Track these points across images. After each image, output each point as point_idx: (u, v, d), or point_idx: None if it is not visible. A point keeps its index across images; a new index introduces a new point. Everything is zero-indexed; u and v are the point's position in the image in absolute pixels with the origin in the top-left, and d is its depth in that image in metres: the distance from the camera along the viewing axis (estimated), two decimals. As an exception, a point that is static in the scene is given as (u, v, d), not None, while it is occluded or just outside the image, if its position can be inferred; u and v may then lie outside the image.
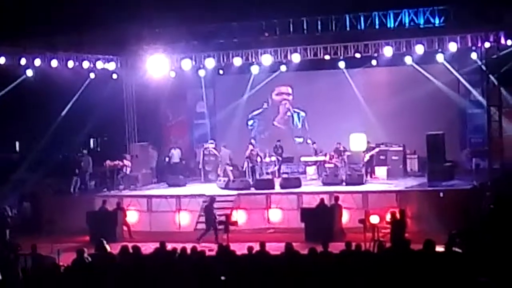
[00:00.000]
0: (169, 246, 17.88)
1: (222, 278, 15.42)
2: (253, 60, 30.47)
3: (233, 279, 15.48)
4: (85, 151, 32.13)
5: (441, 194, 26.17)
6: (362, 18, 26.25)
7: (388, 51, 28.60)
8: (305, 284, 14.89)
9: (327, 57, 29.77)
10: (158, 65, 30.55)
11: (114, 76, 32.42)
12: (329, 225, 24.31)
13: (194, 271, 15.54)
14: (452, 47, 27.85)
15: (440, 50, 28.73)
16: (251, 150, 31.05)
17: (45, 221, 26.72)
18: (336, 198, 25.83)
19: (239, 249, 17.62)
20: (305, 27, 26.69)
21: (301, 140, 34.56)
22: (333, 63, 31.26)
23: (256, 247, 17.28)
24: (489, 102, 27.72)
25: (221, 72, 33.74)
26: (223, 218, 23.81)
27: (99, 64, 31.04)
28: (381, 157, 31.19)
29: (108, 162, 31.38)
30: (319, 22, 26.65)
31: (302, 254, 16.52)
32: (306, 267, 15.62)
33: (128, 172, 31.51)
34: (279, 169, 32.43)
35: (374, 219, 21.56)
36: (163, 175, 32.90)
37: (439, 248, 15.86)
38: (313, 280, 15.07)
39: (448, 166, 29.08)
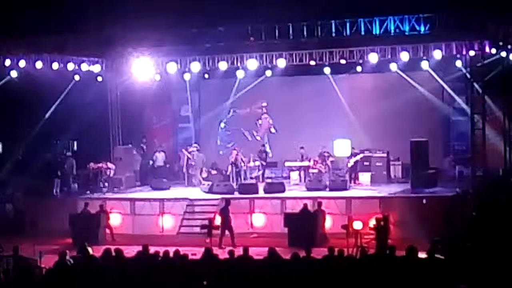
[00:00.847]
0: (152, 250, 17.84)
1: (204, 283, 15.42)
2: (239, 64, 30.48)
3: (215, 283, 15.48)
4: (68, 153, 32.06)
5: (424, 201, 26.26)
6: (347, 25, 26.31)
7: (373, 58, 28.68)
8: (287, 289, 14.92)
9: (312, 62, 29.83)
10: (143, 68, 30.50)
11: (99, 78, 32.33)
12: (312, 231, 24.34)
13: (177, 275, 15.53)
14: (437, 54, 27.95)
15: (425, 57, 28.87)
16: (236, 154, 31.17)
17: (27, 223, 26.57)
18: (320, 204, 25.85)
19: (222, 253, 17.58)
20: (290, 32, 26.73)
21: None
22: (318, 68, 31.36)
23: (239, 251, 17.28)
24: (473, 110, 27.84)
25: (206, 76, 33.79)
26: (206, 222, 23.79)
27: (84, 67, 30.95)
28: (365, 163, 31.28)
29: (91, 164, 31.34)
30: (304, 28, 26.70)
31: (285, 259, 16.55)
32: (288, 272, 15.64)
33: (111, 174, 31.46)
34: (263, 174, 32.47)
35: (357, 225, 21.63)
36: (147, 178, 32.83)
37: (422, 255, 15.91)
38: (295, 285, 15.11)
39: (431, 173, 29.20)
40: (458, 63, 29.70)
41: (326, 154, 30.94)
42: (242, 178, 31.28)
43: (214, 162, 32.76)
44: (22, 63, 28.91)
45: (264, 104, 34.73)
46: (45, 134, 32.32)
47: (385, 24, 26.10)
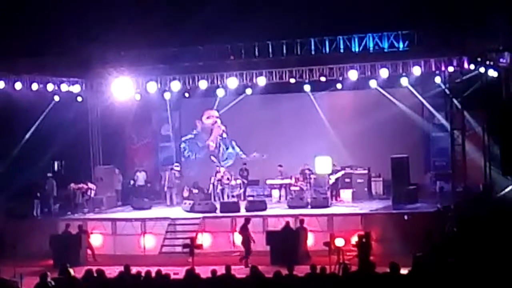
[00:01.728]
0: (134, 270, 17.76)
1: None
2: (219, 83, 30.43)
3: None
4: (49, 174, 31.88)
5: (406, 217, 26.31)
6: (327, 42, 26.49)
7: (353, 75, 28.75)
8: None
9: (292, 80, 29.84)
10: (123, 88, 30.42)
11: (79, 98, 32.24)
12: (294, 248, 24.32)
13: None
14: (416, 71, 28.06)
15: (404, 74, 28.95)
16: (224, 172, 31.30)
17: (7, 244, 26.35)
18: (302, 221, 25.86)
19: (204, 272, 17.53)
20: (270, 50, 26.88)
21: (231, 162, 34.54)
22: (298, 86, 31.41)
23: (221, 270, 17.23)
24: (453, 125, 28.02)
25: (186, 95, 33.78)
26: (188, 241, 23.72)
27: (64, 87, 30.84)
28: (346, 180, 31.34)
29: (72, 185, 31.17)
30: (284, 46, 26.87)
31: (268, 277, 16.51)
32: (271, 290, 15.61)
33: (92, 195, 31.32)
34: (244, 192, 32.45)
35: (339, 242, 21.62)
36: (128, 198, 32.73)
37: (404, 271, 15.93)
38: (278, 303, 15.07)
39: (412, 189, 29.29)
40: (437, 79, 29.86)
41: (307, 172, 30.98)
42: (225, 196, 31.27)
43: (195, 181, 32.73)
44: (1, 84, 28.74)
45: (214, 113, 34.83)
46: (25, 155, 32.11)
47: (364, 41, 26.29)
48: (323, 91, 32.62)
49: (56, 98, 31.33)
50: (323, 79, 29.40)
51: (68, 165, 33.55)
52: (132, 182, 33.87)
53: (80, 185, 31.19)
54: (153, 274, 16.88)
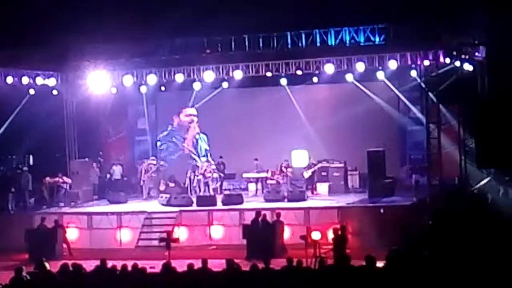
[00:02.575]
0: (110, 264, 17.69)
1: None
2: (195, 76, 30.39)
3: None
4: (24, 168, 31.66)
5: (382, 210, 26.42)
6: (303, 36, 26.50)
7: (329, 68, 28.81)
8: (246, 301, 14.89)
9: (268, 74, 29.86)
10: (99, 81, 30.32)
11: (55, 92, 32.02)
12: (271, 242, 24.33)
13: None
14: (392, 64, 28.17)
15: (380, 67, 29.06)
16: (207, 166, 31.34)
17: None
18: (278, 215, 25.88)
19: (181, 266, 17.51)
20: (247, 44, 26.87)
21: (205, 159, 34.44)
22: (274, 80, 31.46)
23: (198, 264, 17.22)
24: (428, 119, 28.12)
25: (162, 88, 33.69)
26: (164, 235, 23.66)
27: (39, 80, 30.63)
28: (323, 173, 31.42)
29: (47, 178, 30.98)
30: (260, 39, 26.87)
31: (244, 271, 16.51)
32: (247, 283, 15.62)
33: (68, 188, 31.18)
34: (221, 186, 32.44)
35: (316, 235, 21.63)
36: (104, 192, 32.63)
37: (380, 264, 15.99)
38: (254, 296, 15.08)
39: (388, 183, 29.42)
40: (413, 73, 29.98)
41: (284, 165, 31.02)
42: (202, 190, 31.25)
43: (172, 174, 32.68)
44: (-25, 77, 28.58)
45: (192, 111, 34.77)
46: (-1, 148, 31.97)
47: (340, 35, 26.34)
48: (300, 85, 32.67)
49: (32, 91, 31.11)
50: (299, 72, 29.43)
51: (43, 159, 33.32)
52: (108, 176, 33.74)
53: (56, 179, 31.02)
54: (130, 268, 16.83)
